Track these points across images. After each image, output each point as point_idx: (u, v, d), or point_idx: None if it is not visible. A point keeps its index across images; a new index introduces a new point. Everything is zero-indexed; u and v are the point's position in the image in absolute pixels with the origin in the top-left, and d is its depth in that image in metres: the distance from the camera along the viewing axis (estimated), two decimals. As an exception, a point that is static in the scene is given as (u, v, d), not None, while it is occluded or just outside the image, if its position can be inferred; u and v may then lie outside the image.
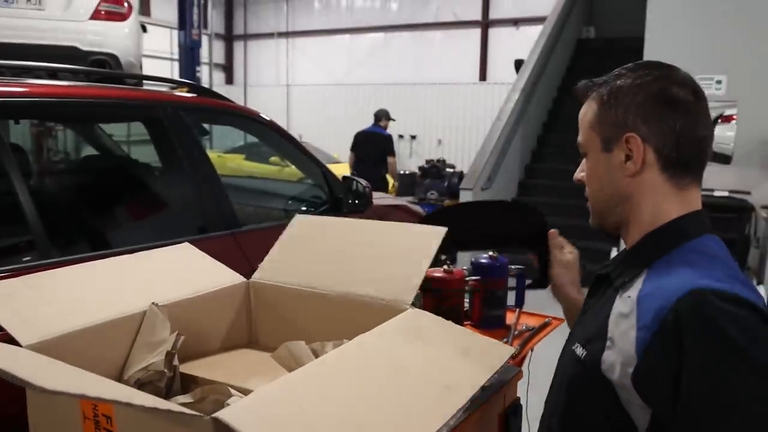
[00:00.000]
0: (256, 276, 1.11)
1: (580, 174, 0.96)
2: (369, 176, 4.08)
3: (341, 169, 3.50)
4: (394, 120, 6.96)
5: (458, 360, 0.76)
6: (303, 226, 1.18)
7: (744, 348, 0.68)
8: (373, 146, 6.43)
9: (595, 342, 0.81)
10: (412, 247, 1.02)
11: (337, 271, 1.03)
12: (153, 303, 0.91)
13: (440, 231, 1.03)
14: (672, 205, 0.85)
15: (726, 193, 4.89)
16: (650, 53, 5.53)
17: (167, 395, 0.83)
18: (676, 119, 0.83)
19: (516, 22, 11.73)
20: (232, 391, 0.79)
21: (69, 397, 0.51)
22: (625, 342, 0.76)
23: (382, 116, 6.62)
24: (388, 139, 6.58)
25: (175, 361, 0.85)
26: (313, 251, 1.10)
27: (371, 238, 1.10)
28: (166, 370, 0.83)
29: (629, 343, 0.75)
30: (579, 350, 0.85)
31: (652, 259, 0.82)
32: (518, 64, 7.52)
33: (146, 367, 0.83)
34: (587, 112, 0.90)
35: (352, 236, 1.12)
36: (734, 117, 5.27)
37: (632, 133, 0.84)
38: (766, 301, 0.75)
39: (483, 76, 12.14)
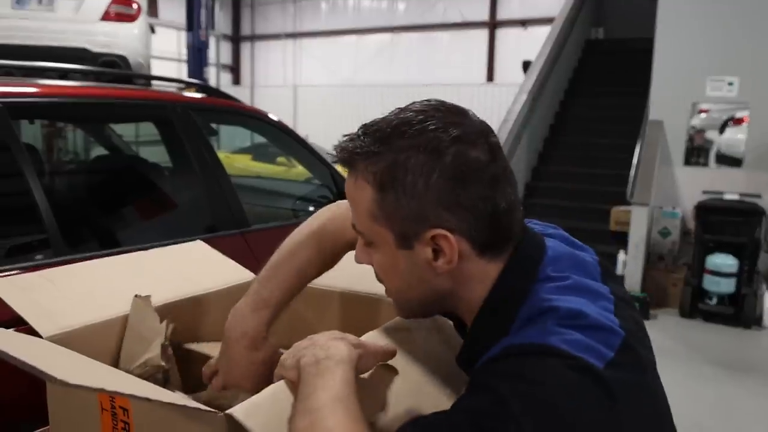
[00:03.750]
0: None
1: (363, 258, 0.72)
2: None
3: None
4: None
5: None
6: None
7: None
8: None
9: None
10: None
11: (348, 271, 1.05)
12: (136, 295, 0.89)
13: None
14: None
15: (736, 197, 4.86)
16: (660, 54, 5.50)
17: (164, 386, 0.85)
18: (483, 192, 0.64)
19: (524, 22, 11.72)
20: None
21: (88, 391, 0.52)
22: None
23: None
24: None
25: (169, 351, 0.86)
26: None
27: None
28: (163, 363, 0.84)
29: None
30: None
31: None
32: (526, 65, 7.52)
33: (144, 363, 0.84)
34: (361, 195, 0.66)
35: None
36: (746, 119, 5.24)
37: (439, 230, 0.64)
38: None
39: (490, 77, 12.14)
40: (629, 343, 0.62)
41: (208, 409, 0.56)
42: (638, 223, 4.87)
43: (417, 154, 0.63)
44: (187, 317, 0.91)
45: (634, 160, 5.54)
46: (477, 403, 0.57)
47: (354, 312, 0.99)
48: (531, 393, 0.55)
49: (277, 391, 0.63)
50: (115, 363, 0.85)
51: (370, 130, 0.66)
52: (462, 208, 0.64)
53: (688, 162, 5.48)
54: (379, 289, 0.97)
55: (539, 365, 0.57)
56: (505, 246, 0.68)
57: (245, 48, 15.60)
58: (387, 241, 0.67)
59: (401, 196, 0.64)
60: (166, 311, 0.93)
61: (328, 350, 0.65)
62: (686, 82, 5.34)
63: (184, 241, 1.28)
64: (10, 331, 0.68)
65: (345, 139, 0.68)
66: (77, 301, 0.86)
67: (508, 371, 0.58)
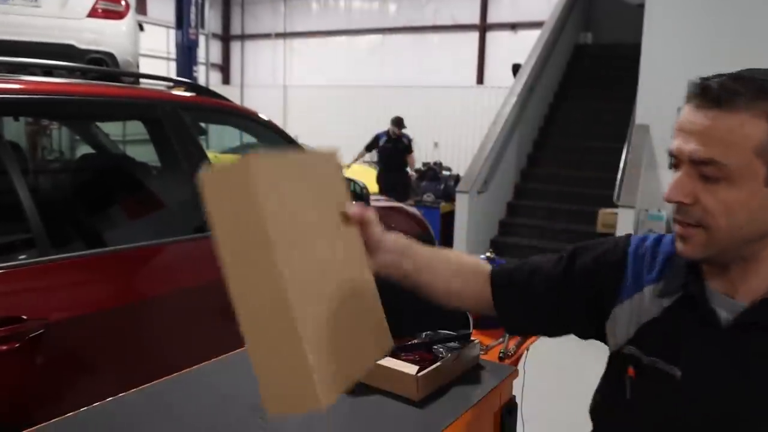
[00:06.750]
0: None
1: (688, 197, 0.77)
2: None
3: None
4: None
5: None
6: None
7: None
8: None
9: None
10: None
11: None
12: None
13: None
14: None
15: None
16: (647, 59, 5.56)
17: None
18: None
19: (514, 26, 11.78)
20: None
21: None
22: None
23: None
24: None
25: None
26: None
27: None
28: None
29: None
30: None
31: None
32: (515, 68, 7.56)
33: None
34: (751, 129, 0.72)
35: None
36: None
37: None
38: None
39: (480, 80, 12.18)
40: None
41: None
42: (624, 225, 4.92)
43: None
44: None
45: (621, 164, 5.59)
46: None
47: None
48: None
49: None
50: None
51: (751, 78, 0.76)
52: None
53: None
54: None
55: None
56: None
57: (235, 47, 15.52)
58: (758, 177, 0.73)
59: None
60: None
61: None
62: (672, 87, 5.33)
63: (172, 241, 1.25)
64: None
65: (714, 80, 0.76)
66: None
67: None
